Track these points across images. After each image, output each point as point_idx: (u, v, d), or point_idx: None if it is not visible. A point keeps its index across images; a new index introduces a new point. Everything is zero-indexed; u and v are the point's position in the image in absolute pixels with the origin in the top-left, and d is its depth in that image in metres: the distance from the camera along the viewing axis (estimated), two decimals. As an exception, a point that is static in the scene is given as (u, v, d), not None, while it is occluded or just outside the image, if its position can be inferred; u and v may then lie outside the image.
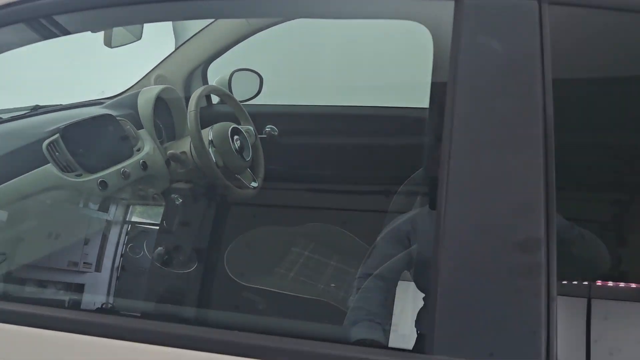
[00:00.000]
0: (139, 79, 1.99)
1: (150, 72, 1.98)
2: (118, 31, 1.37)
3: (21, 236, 1.14)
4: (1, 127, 1.42)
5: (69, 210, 1.25)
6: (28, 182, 1.17)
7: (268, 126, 2.01)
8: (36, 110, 1.72)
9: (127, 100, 1.73)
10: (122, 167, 1.44)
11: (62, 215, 1.23)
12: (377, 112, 1.99)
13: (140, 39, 1.51)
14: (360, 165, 2.02)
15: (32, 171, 1.19)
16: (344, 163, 2.03)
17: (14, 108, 1.73)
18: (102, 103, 1.83)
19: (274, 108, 2.10)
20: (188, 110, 1.54)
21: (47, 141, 1.28)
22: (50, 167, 1.24)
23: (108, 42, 1.38)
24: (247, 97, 2.14)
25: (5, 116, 1.62)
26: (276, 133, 2.01)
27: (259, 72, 2.18)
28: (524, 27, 0.60)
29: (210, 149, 1.59)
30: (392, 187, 1.67)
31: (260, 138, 1.93)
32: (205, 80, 2.09)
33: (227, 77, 2.08)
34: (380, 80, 2.99)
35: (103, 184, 1.34)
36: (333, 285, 1.68)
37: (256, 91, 2.16)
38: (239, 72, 2.14)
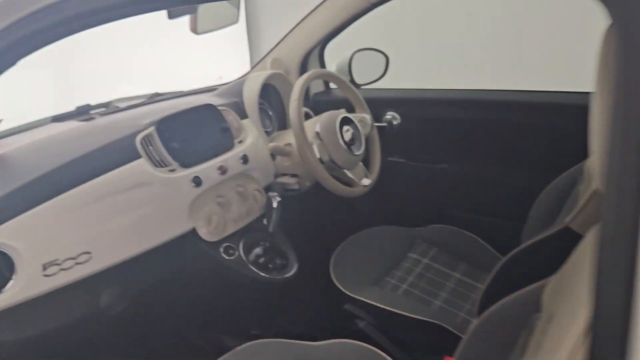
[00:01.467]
0: (256, 64, 1.90)
1: (266, 55, 1.87)
2: (205, 14, 1.25)
3: (109, 234, 1.10)
4: (109, 118, 1.42)
5: (160, 207, 1.19)
6: (118, 178, 1.13)
7: (389, 113, 1.79)
8: (154, 98, 1.72)
9: (234, 88, 1.64)
10: (220, 161, 1.35)
11: (152, 213, 1.17)
12: (527, 98, 1.64)
13: (236, 22, 1.38)
14: (498, 162, 1.70)
15: (123, 166, 1.15)
16: (477, 158, 1.73)
17: (136, 96, 1.75)
18: (215, 89, 1.78)
19: (398, 93, 1.86)
20: (290, 100, 1.39)
21: (141, 134, 1.22)
22: (142, 162, 1.18)
23: (194, 28, 1.28)
24: (372, 80, 1.94)
25: (123, 104, 1.64)
26: (398, 121, 1.78)
27: (384, 51, 1.97)
28: None
29: (314, 142, 1.43)
30: (536, 188, 1.35)
31: (379, 127, 1.73)
32: (321, 62, 1.92)
33: (348, 58, 1.90)
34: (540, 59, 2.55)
35: (197, 179, 1.26)
36: (453, 300, 1.43)
37: (381, 73, 1.95)
38: (362, 52, 1.95)
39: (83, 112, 1.58)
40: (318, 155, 1.41)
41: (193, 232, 1.28)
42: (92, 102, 1.65)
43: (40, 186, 1.04)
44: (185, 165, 1.27)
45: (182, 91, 1.84)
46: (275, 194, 1.35)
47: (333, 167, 1.47)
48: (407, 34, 2.97)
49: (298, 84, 1.42)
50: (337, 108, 1.60)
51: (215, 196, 1.33)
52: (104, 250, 1.10)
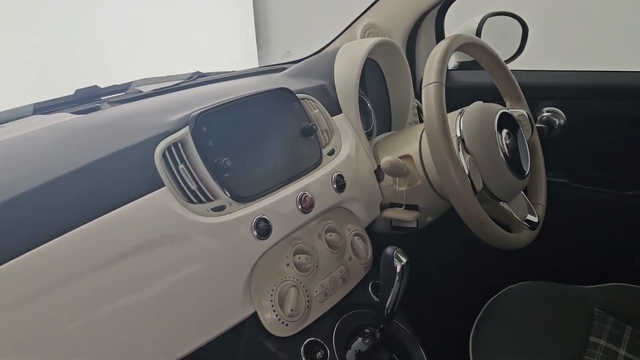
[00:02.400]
0: (339, 32, 1.31)
1: (356, 20, 1.28)
2: None
3: (98, 342, 0.55)
4: (121, 109, 0.87)
5: (196, 284, 0.63)
6: (122, 226, 0.58)
7: (547, 109, 1.17)
8: (194, 79, 1.16)
9: (319, 63, 1.05)
10: (303, 190, 0.77)
11: (182, 295, 0.61)
12: None
13: None
14: None
15: (128, 204, 0.59)
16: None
17: (167, 77, 1.19)
18: (284, 69, 1.19)
19: (559, 77, 1.22)
20: (424, 83, 0.79)
21: (163, 143, 0.66)
22: (164, 195, 0.62)
23: None
24: (505, 58, 1.32)
25: (148, 88, 1.08)
26: (562, 121, 1.15)
27: (521, 17, 1.35)
28: None
29: (461, 154, 0.82)
30: None
31: (543, 131, 1.12)
32: (440, 33, 1.31)
33: (475, 27, 1.30)
34: None
35: (263, 225, 0.69)
36: None
37: (516, 48, 1.33)
38: (494, 17, 1.34)
39: (86, 99, 1.03)
40: (469, 180, 0.80)
41: (253, 320, 0.71)
42: (102, 84, 1.11)
43: None
44: (243, 198, 0.70)
45: (233, 71, 1.27)
46: (398, 248, 0.75)
47: (485, 199, 0.87)
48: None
49: (437, 55, 0.82)
50: (466, 99, 0.98)
51: (293, 252, 0.75)
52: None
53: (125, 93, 1.08)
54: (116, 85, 1.11)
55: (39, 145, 0.70)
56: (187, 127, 0.70)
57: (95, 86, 1.06)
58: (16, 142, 0.72)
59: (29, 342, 0.51)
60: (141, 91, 1.07)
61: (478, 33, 1.30)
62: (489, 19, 1.34)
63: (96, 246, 0.56)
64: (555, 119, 1.16)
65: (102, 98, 1.04)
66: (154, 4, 2.85)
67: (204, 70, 1.22)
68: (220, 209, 0.68)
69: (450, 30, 1.36)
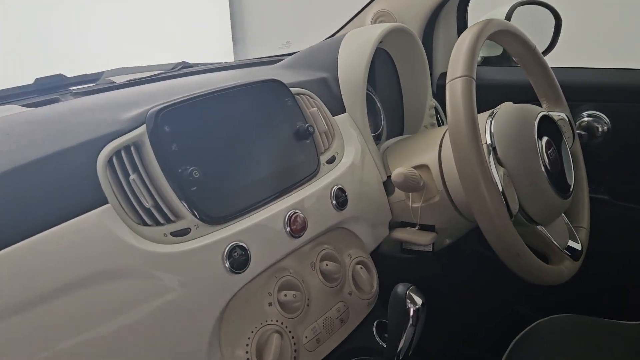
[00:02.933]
0: (347, 21, 1.15)
1: (367, 5, 1.12)
2: None
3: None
4: (81, 102, 0.71)
5: (155, 329, 0.48)
6: (53, 253, 0.42)
7: (587, 113, 1.01)
8: (177, 69, 1.01)
9: (320, 52, 0.89)
10: (293, 208, 0.61)
11: (137, 344, 0.46)
12: None
13: None
14: None
15: (65, 223, 0.44)
16: None
17: (147, 67, 1.04)
18: (280, 60, 1.03)
19: (602, 76, 1.05)
20: (449, 77, 0.63)
21: (110, 146, 0.51)
22: (108, 214, 0.47)
23: None
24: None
25: (121, 79, 0.93)
26: (606, 127, 0.99)
27: (554, 7, 1.20)
28: None
29: (494, 167, 0.66)
30: None
31: (584, 137, 0.95)
32: (462, 23, 1.15)
33: (505, 14, 1.16)
34: None
35: (239, 255, 0.54)
36: None
37: (548, 43, 1.19)
38: (524, 6, 1.19)
39: (47, 90, 0.88)
40: (504, 200, 0.64)
41: None
42: (69, 73, 0.95)
43: None
44: (213, 218, 0.55)
45: (224, 62, 1.12)
46: (412, 287, 0.59)
47: (521, 222, 0.71)
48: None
49: (465, 44, 0.66)
50: (492, 101, 0.82)
51: (277, 288, 0.59)
52: None
53: (95, 84, 0.93)
54: (86, 74, 0.95)
55: None
56: (144, 125, 0.54)
57: (60, 75, 0.91)
58: None
59: None
60: (114, 82, 0.92)
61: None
62: (518, 9, 1.19)
63: (18, 280, 0.41)
64: (597, 125, 0.99)
65: (68, 89, 0.89)
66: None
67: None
68: (183, 233, 0.53)
69: (475, 19, 1.20)
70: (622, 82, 1.01)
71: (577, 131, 0.99)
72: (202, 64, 1.09)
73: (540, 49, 1.16)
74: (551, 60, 1.17)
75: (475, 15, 1.23)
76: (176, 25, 2.93)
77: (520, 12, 1.20)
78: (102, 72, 0.96)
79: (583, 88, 1.03)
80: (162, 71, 0.98)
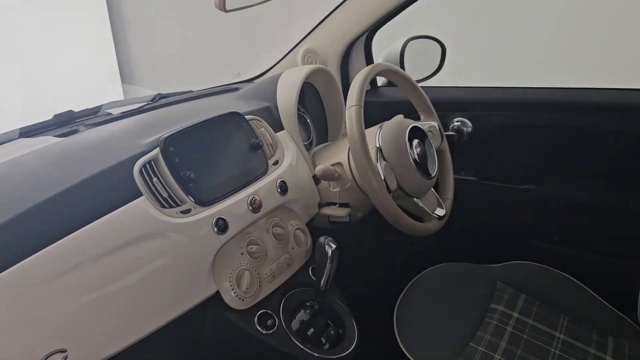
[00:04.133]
0: (283, 56, 1.51)
1: (297, 45, 1.48)
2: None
3: (96, 319, 0.73)
4: (98, 132, 1.03)
5: (169, 270, 0.81)
6: (108, 230, 0.75)
7: (457, 119, 1.41)
8: (157, 100, 1.34)
9: (263, 87, 1.25)
10: (252, 194, 0.96)
11: (158, 278, 0.80)
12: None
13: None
14: (600, 181, 1.32)
15: (115, 211, 0.77)
16: (573, 176, 1.35)
17: (133, 99, 1.36)
18: (237, 89, 1.39)
19: (467, 93, 1.46)
20: (347, 106, 1.00)
21: (140, 161, 0.84)
22: (143, 203, 0.80)
23: (221, 5, 0.88)
24: (426, 75, 1.55)
25: (117, 111, 1.25)
26: (469, 129, 1.39)
27: (440, 39, 1.58)
28: None
29: (378, 161, 1.04)
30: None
31: (451, 138, 1.35)
32: (368, 56, 1.53)
33: (399, 49, 1.52)
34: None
35: (221, 223, 0.88)
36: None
37: (436, 66, 1.57)
38: (415, 40, 1.57)
39: (63, 122, 1.19)
40: (384, 181, 1.02)
41: (216, 297, 0.90)
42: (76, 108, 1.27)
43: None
44: (204, 202, 0.89)
45: (191, 91, 1.45)
46: (329, 238, 0.96)
47: (399, 196, 1.09)
48: (470, 18, 2.52)
49: (357, 83, 1.03)
50: (389, 113, 1.21)
51: (247, 244, 0.94)
52: (88, 343, 0.73)
53: (96, 115, 1.24)
54: (88, 109, 1.27)
55: (36, 166, 0.87)
56: (158, 148, 0.88)
57: (71, 110, 1.22)
58: (15, 164, 0.88)
59: (61, 302, 0.69)
60: (111, 114, 1.24)
61: (401, 55, 1.53)
62: (410, 42, 1.57)
63: (95, 242, 0.74)
64: (464, 128, 1.39)
65: (76, 121, 1.21)
66: (16, 37, 2.99)
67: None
68: (187, 211, 0.87)
69: (379, 50, 1.58)
70: (480, 97, 1.43)
71: (450, 133, 1.40)
72: (174, 94, 1.42)
73: (431, 71, 1.57)
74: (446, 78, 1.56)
75: (380, 46, 1.61)
76: (65, 70, 3.22)
77: (413, 44, 1.59)
78: (100, 106, 1.28)
79: (454, 102, 1.43)
80: (147, 102, 1.31)
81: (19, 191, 0.77)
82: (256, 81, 1.35)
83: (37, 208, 0.73)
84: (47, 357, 0.67)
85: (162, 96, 1.37)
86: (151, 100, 1.33)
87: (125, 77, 3.81)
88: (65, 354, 0.70)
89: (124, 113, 1.22)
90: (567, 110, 1.32)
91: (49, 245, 0.70)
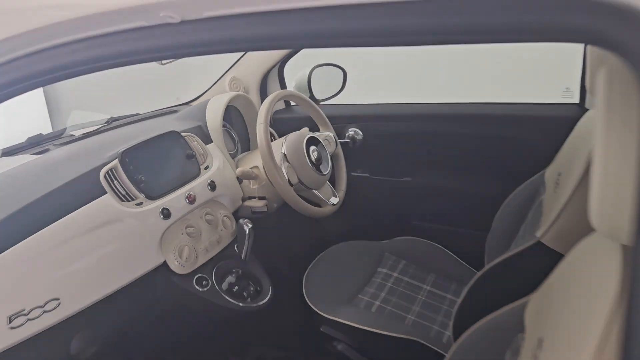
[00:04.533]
0: (213, 83, 1.87)
1: (224, 74, 1.84)
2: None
3: (78, 277, 1.05)
4: (67, 149, 1.35)
5: (129, 244, 1.15)
6: (83, 217, 1.08)
7: (351, 129, 1.81)
8: (110, 123, 1.66)
9: (196, 111, 1.60)
10: (188, 190, 1.31)
11: (121, 250, 1.13)
12: (486, 110, 1.70)
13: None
14: (461, 172, 1.75)
15: (88, 204, 1.10)
16: (440, 170, 1.78)
17: (90, 122, 1.68)
18: (176, 111, 1.73)
19: (359, 109, 1.87)
20: (257, 123, 1.38)
21: (104, 169, 1.17)
22: (108, 198, 1.13)
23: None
24: (331, 95, 1.94)
25: (78, 133, 1.57)
26: (360, 137, 1.80)
27: (342, 65, 1.98)
28: None
29: (283, 164, 1.41)
30: (499, 197, 1.39)
31: (342, 143, 1.74)
32: (282, 81, 1.91)
33: (307, 75, 1.90)
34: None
35: (165, 211, 1.23)
36: (426, 314, 1.45)
37: (339, 87, 1.96)
38: (320, 67, 1.95)
39: (35, 143, 1.50)
40: (287, 178, 1.40)
41: (164, 265, 1.24)
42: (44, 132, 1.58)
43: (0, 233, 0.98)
44: (153, 197, 1.23)
45: (139, 114, 1.78)
46: (246, 220, 1.32)
47: (302, 189, 1.47)
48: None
49: (264, 107, 1.40)
50: (300, 126, 1.59)
51: (185, 227, 1.29)
52: (74, 294, 1.05)
53: (62, 137, 1.55)
54: (53, 132, 1.58)
55: (25, 177, 1.18)
56: (117, 159, 1.22)
57: (40, 134, 1.53)
58: (8, 176, 1.20)
59: (54, 267, 1.01)
60: (74, 135, 1.55)
61: (309, 80, 1.91)
62: (316, 69, 1.96)
63: (76, 225, 1.07)
64: (356, 136, 1.80)
65: (46, 142, 1.51)
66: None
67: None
68: (140, 204, 1.21)
69: (292, 75, 1.96)
70: (369, 112, 1.84)
71: (346, 140, 1.79)
72: (124, 117, 1.74)
73: (335, 91, 1.96)
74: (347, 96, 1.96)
75: (292, 73, 1.99)
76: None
77: (319, 70, 1.97)
78: (64, 128, 1.59)
79: (349, 116, 1.84)
80: (102, 125, 1.63)
81: (15, 195, 1.09)
82: (191, 105, 1.71)
83: (33, 204, 1.05)
84: (46, 302, 1.00)
85: (114, 119, 1.70)
86: (106, 122, 1.66)
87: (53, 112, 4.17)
88: (58, 301, 1.02)
89: (85, 134, 1.53)
90: (435, 120, 1.75)
91: (43, 228, 1.03)
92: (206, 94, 1.85)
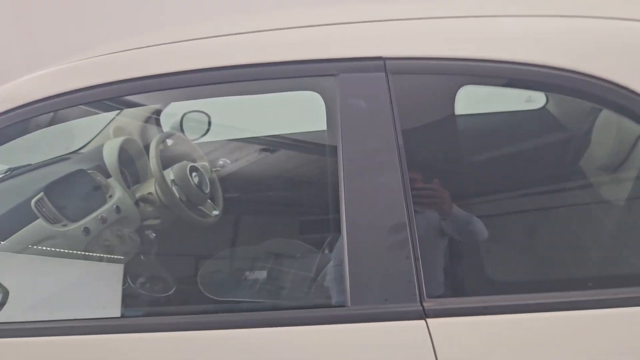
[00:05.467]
0: (98, 132, 2.22)
1: (107, 124, 2.21)
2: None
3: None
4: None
5: (62, 255, 1.48)
6: (25, 236, 1.40)
7: (221, 159, 2.29)
8: (10, 172, 1.93)
9: (92, 153, 1.96)
10: (100, 213, 1.67)
11: (56, 261, 1.46)
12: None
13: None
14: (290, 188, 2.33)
15: (26, 227, 1.42)
16: (277, 186, 2.35)
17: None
18: (69, 158, 2.06)
19: (221, 143, 2.37)
20: (149, 157, 1.79)
21: (34, 200, 1.50)
22: (40, 222, 1.46)
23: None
24: (199, 135, 2.41)
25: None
26: (229, 163, 2.28)
27: (206, 111, 2.46)
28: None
29: (173, 187, 1.84)
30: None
31: (216, 171, 2.21)
32: (159, 126, 2.34)
33: (179, 120, 2.35)
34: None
35: (86, 229, 1.58)
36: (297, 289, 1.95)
37: (205, 129, 2.44)
38: (189, 113, 2.41)
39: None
40: (178, 196, 1.83)
41: None
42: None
43: None
44: (74, 219, 1.58)
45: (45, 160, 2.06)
46: (149, 231, 1.72)
47: (189, 205, 1.90)
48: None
49: (153, 144, 1.83)
50: (178, 161, 2.04)
51: (102, 240, 1.65)
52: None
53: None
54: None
55: None
56: (42, 192, 1.55)
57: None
58: None
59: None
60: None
61: (181, 124, 2.36)
62: (187, 114, 2.42)
63: (22, 242, 1.40)
64: (225, 163, 2.28)
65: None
66: None
67: None
68: (65, 225, 1.55)
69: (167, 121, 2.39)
70: (226, 145, 2.35)
71: (217, 168, 2.27)
72: (24, 166, 2.01)
73: (204, 131, 2.43)
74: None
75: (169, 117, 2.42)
76: None
77: (188, 116, 2.43)
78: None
79: (217, 149, 2.32)
80: (4, 173, 1.89)
81: None
82: (85, 149, 2.06)
83: None
84: None
85: (12, 169, 1.97)
86: (5, 173, 1.93)
87: None
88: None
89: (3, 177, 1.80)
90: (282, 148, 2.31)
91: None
92: (93, 140, 2.20)
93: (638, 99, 0.88)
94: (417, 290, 0.93)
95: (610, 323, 0.91)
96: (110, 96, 1.14)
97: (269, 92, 1.07)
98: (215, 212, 2.01)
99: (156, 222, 1.90)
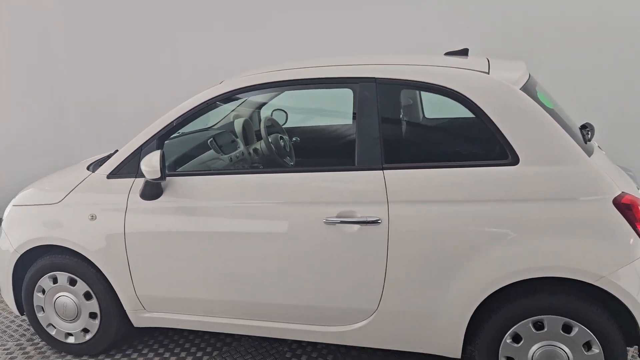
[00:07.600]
0: (225, 115, 3.82)
1: (230, 112, 3.81)
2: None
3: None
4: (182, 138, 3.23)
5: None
6: (204, 158, 2.95)
7: (294, 137, 3.86)
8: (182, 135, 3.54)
9: (228, 126, 3.57)
10: (235, 154, 3.24)
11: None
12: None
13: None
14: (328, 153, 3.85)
15: (206, 152, 2.99)
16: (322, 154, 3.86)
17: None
18: (209, 129, 3.66)
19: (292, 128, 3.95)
20: (260, 128, 3.36)
21: (208, 141, 3.08)
22: (211, 152, 3.02)
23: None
24: (282, 122, 3.98)
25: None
26: (298, 140, 3.85)
27: (285, 109, 4.03)
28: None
29: (271, 145, 3.40)
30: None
31: (292, 141, 3.78)
32: (260, 115, 3.94)
33: (271, 112, 3.93)
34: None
35: (230, 158, 3.14)
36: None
37: (285, 119, 4.02)
38: (276, 110, 3.99)
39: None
40: (275, 150, 3.40)
41: None
42: None
43: None
44: (225, 153, 3.16)
45: (197, 129, 3.69)
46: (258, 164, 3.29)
47: (279, 155, 3.46)
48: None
49: (262, 124, 3.42)
50: (275, 132, 3.60)
51: (235, 164, 3.22)
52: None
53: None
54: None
55: None
56: (212, 138, 3.14)
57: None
58: None
59: None
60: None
61: (272, 114, 3.93)
62: (275, 111, 3.99)
63: (204, 160, 2.99)
64: (296, 140, 3.84)
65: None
66: None
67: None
68: (220, 154, 3.14)
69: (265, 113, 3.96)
70: (295, 129, 3.91)
71: (292, 141, 3.83)
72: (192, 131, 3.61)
73: (283, 120, 4.01)
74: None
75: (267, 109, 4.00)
76: None
77: (276, 112, 4.00)
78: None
79: (290, 130, 3.88)
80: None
81: None
82: (220, 124, 3.67)
83: None
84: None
85: (186, 132, 3.58)
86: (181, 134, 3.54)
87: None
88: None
89: (181, 134, 3.41)
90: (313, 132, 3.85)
91: None
92: (222, 121, 3.81)
93: None
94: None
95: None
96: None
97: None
98: (291, 163, 3.57)
99: (259, 164, 3.46)
